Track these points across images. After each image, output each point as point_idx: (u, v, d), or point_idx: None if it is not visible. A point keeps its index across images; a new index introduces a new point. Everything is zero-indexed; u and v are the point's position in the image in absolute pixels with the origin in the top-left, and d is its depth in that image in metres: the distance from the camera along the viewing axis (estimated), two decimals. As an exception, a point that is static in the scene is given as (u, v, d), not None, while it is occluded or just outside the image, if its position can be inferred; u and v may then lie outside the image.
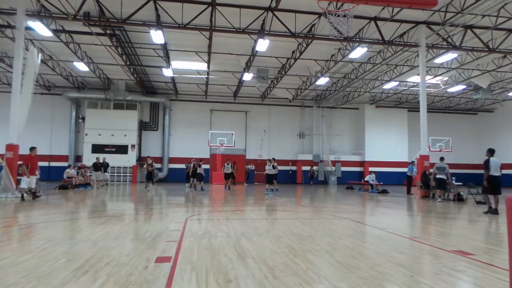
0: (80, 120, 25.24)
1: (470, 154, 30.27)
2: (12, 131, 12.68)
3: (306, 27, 14.91)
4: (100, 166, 19.49)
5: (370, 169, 23.04)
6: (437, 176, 13.49)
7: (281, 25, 14.06)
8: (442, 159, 14.11)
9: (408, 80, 21.66)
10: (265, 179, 17.53)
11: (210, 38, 15.76)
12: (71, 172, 17.91)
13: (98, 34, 15.21)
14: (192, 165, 18.72)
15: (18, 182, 13.02)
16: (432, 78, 21.27)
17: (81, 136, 25.10)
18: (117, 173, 24.19)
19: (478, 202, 12.48)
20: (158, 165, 26.37)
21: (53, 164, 24.63)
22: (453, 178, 16.60)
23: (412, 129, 27.13)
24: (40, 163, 23.37)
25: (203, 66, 19.94)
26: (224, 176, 19.49)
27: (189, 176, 18.88)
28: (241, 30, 14.23)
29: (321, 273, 3.78)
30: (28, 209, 9.45)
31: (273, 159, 17.06)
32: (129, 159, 24.71)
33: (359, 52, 16.38)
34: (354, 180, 25.00)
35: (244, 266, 4.01)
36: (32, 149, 11.92)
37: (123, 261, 4.12)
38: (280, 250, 4.81)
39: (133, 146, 24.90)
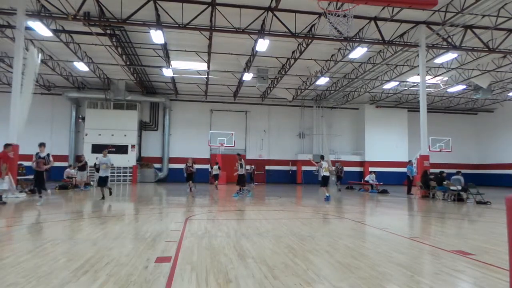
0: (80, 120, 25.23)
1: (470, 154, 30.31)
2: (12, 131, 12.67)
3: (306, 27, 14.90)
4: (84, 166, 17.23)
5: (370, 169, 23.05)
6: (452, 188, 13.61)
7: (281, 25, 14.05)
8: (458, 172, 14.64)
9: (408, 80, 21.65)
10: (236, 180, 14.94)
11: (210, 38, 15.76)
12: (71, 172, 17.91)
13: (98, 34, 15.21)
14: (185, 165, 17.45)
15: (18, 182, 13.05)
16: (432, 78, 21.26)
17: (81, 136, 25.09)
18: (117, 173, 24.17)
19: (478, 202, 12.49)
20: (158, 165, 26.41)
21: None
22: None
23: (412, 129, 27.12)
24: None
25: (203, 66, 19.94)
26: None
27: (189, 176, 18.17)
28: (241, 30, 14.23)
29: (321, 273, 3.79)
30: (28, 209, 9.45)
31: (238, 154, 15.15)
32: (129, 159, 24.71)
33: (359, 52, 16.37)
34: (354, 180, 24.98)
35: (244, 266, 4.01)
36: (7, 146, 10.95)
37: (123, 261, 4.12)
38: (280, 250, 4.81)
39: (133, 146, 24.89)
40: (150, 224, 6.85)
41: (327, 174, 13.46)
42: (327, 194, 12.94)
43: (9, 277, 3.49)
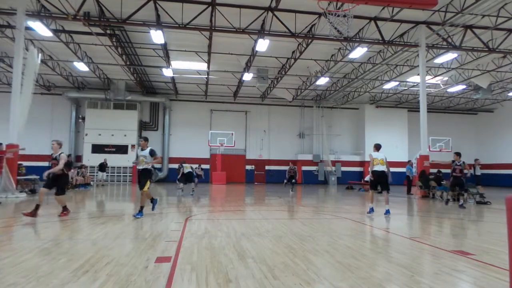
0: (80, 120, 25.24)
1: (470, 154, 30.22)
2: (12, 131, 12.68)
3: (306, 27, 14.90)
4: (71, 165, 16.99)
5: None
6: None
7: (281, 25, 14.05)
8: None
9: (408, 80, 21.65)
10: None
11: (210, 38, 15.77)
12: (71, 172, 17.88)
13: (98, 34, 15.21)
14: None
15: (18, 182, 13.05)
16: (432, 78, 21.26)
17: (81, 136, 25.09)
18: (117, 173, 24.18)
19: (478, 202, 12.48)
20: (158, 166, 26.38)
21: (53, 164, 24.63)
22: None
23: (412, 129, 27.12)
24: (40, 163, 23.79)
25: (203, 66, 19.94)
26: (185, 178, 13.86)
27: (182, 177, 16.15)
28: (241, 30, 14.23)
29: (321, 273, 3.78)
30: (28, 209, 9.43)
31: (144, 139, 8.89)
32: (129, 159, 24.68)
33: (359, 52, 16.37)
34: (354, 180, 24.97)
35: (244, 266, 4.01)
36: None
37: (123, 261, 4.12)
38: (280, 250, 4.81)
39: (133, 146, 24.88)
40: (150, 224, 6.85)
41: (380, 168, 9.23)
42: (371, 206, 9.24)
43: (9, 277, 3.49)
